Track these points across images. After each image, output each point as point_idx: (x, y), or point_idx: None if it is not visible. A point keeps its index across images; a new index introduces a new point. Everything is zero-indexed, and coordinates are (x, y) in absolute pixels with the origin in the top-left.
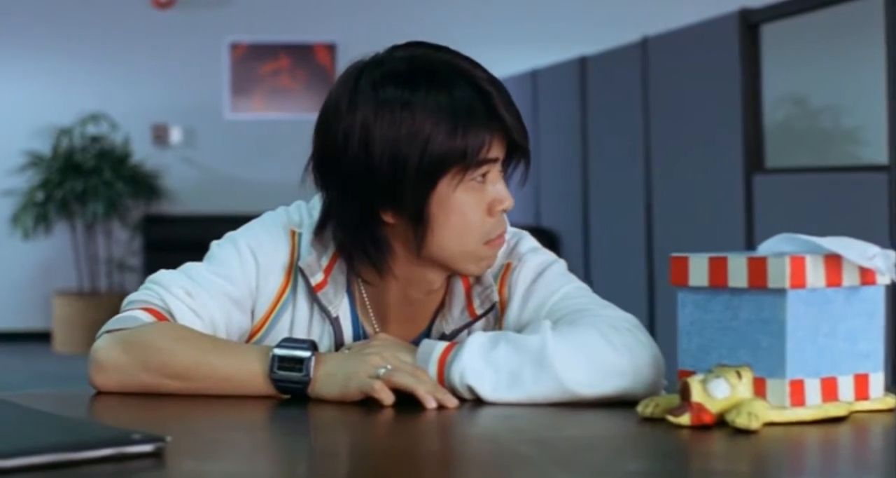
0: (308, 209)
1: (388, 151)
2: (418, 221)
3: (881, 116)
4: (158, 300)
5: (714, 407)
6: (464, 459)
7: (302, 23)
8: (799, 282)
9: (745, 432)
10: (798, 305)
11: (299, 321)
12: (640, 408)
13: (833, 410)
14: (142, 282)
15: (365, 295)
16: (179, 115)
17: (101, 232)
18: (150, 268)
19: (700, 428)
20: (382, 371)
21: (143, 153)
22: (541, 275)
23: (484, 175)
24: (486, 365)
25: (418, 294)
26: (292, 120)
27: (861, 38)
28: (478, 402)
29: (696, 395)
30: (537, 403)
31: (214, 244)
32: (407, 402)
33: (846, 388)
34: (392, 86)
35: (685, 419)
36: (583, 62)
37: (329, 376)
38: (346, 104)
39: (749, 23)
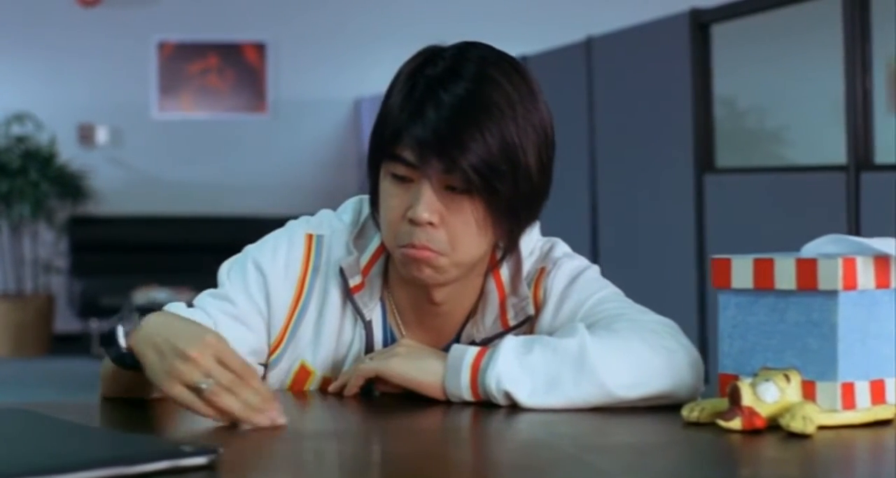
0: (337, 214)
1: (376, 119)
2: (372, 200)
3: (805, 117)
4: None
5: (764, 411)
6: (532, 468)
7: (231, 22)
8: (851, 284)
9: (798, 436)
10: (849, 307)
11: (329, 324)
12: (685, 412)
13: (881, 412)
14: (68, 283)
15: (391, 300)
16: (106, 114)
17: (28, 233)
18: (76, 269)
19: (752, 432)
20: (204, 386)
21: (69, 153)
22: (575, 279)
23: (402, 178)
24: (522, 370)
25: (426, 302)
26: (220, 120)
27: (791, 40)
28: (511, 407)
29: (747, 398)
30: (576, 407)
31: (225, 263)
32: (420, 405)
33: (892, 390)
34: (411, 62)
35: (736, 424)
36: (523, 61)
37: (147, 356)
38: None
39: (699, 23)
